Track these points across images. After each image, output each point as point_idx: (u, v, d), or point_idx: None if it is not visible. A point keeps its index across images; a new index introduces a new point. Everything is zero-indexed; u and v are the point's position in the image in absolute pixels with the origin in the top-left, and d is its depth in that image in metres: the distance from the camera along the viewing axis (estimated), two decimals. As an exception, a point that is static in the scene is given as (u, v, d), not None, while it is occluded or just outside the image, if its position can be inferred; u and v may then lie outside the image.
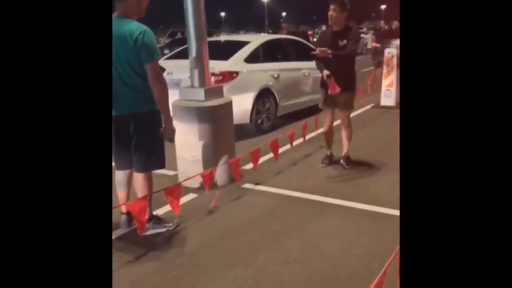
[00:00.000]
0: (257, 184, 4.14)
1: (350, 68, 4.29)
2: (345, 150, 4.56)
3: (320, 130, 4.54)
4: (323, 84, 4.38)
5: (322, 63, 4.23)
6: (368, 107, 7.75)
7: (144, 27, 2.82)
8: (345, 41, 4.14)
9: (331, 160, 4.63)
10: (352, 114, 7.32)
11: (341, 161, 4.56)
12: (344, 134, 4.53)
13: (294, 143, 4.95)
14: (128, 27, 2.81)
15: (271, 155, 4.58)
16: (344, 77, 4.20)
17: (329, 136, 4.61)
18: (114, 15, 2.91)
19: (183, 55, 5.02)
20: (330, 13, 4.15)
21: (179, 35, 21.52)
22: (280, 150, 4.67)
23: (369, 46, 21.09)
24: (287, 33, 10.75)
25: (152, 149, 3.06)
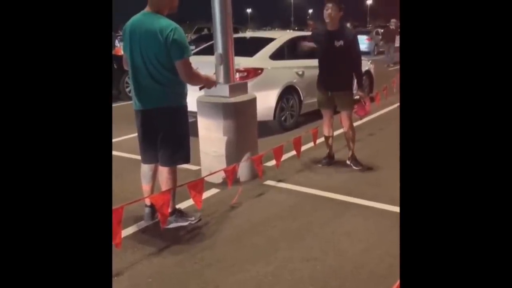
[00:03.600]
0: (279, 181, 4.14)
1: (346, 67, 4.23)
2: (350, 151, 4.54)
3: (342, 130, 4.51)
4: (319, 85, 4.38)
5: (321, 62, 4.30)
6: (394, 106, 7.64)
7: (174, 25, 2.84)
8: (341, 42, 4.11)
9: (330, 161, 4.62)
10: (378, 113, 7.34)
11: (348, 162, 4.54)
12: (346, 135, 4.50)
13: (317, 141, 4.92)
14: (158, 23, 2.83)
15: (293, 152, 4.57)
16: (340, 76, 4.18)
17: (328, 137, 4.57)
18: (145, 10, 2.96)
19: (209, 51, 5.05)
20: (329, 12, 4.10)
21: (205, 31, 21.63)
22: (303, 148, 4.65)
23: (396, 44, 20.81)
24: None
25: (178, 144, 3.10)
